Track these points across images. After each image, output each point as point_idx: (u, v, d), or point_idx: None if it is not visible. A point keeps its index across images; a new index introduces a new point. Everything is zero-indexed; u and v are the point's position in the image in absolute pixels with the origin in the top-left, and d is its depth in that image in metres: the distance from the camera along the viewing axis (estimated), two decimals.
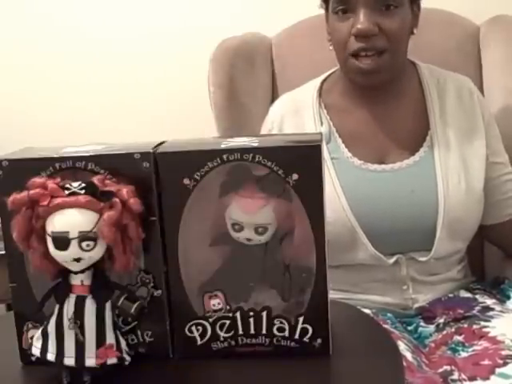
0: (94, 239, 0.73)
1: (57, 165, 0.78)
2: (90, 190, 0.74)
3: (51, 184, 0.74)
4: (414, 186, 1.23)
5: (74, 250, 0.72)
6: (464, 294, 1.29)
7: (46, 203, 0.73)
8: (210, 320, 0.82)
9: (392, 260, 1.23)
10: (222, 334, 0.83)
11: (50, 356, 0.77)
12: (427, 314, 1.25)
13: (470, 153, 1.26)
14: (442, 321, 1.22)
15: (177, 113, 1.82)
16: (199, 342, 0.83)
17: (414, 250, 1.24)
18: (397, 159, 1.26)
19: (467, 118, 1.28)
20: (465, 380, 1.03)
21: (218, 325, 0.82)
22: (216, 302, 0.82)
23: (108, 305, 0.77)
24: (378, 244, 1.22)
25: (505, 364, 1.03)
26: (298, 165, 0.77)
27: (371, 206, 1.22)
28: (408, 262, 1.25)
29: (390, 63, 1.21)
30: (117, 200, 0.73)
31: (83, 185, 0.74)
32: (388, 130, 1.28)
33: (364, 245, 1.22)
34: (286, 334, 0.82)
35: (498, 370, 1.02)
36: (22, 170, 0.77)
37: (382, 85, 1.25)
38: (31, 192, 0.73)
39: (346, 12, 1.19)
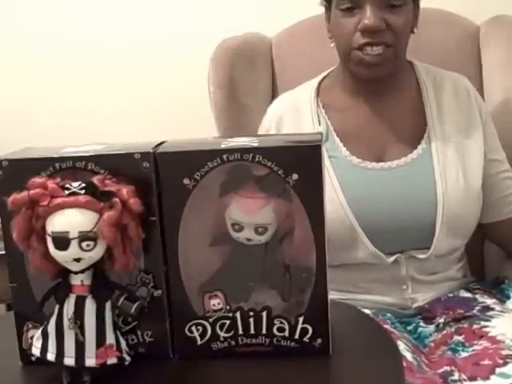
0: (94, 239, 0.73)
1: (57, 165, 0.78)
2: (90, 189, 0.74)
3: (51, 184, 0.74)
4: (412, 184, 1.24)
5: (73, 250, 0.72)
6: (464, 293, 1.29)
7: (45, 203, 0.73)
8: (210, 320, 0.82)
9: (391, 259, 1.24)
10: (222, 334, 0.83)
11: (50, 356, 0.77)
12: (427, 314, 1.25)
13: (467, 149, 1.27)
14: (441, 321, 1.22)
15: (177, 113, 1.82)
16: (199, 342, 0.83)
17: (414, 248, 1.25)
18: (395, 157, 1.26)
19: (464, 116, 1.29)
20: (465, 380, 1.03)
21: (218, 325, 0.82)
22: (216, 302, 0.82)
23: (108, 305, 0.77)
24: (378, 242, 1.22)
25: (505, 364, 1.03)
26: (297, 165, 0.77)
27: (370, 204, 1.23)
28: (407, 261, 1.25)
29: (393, 57, 1.21)
30: (117, 200, 0.73)
31: (83, 185, 0.74)
32: (386, 129, 1.28)
33: (363, 243, 1.22)
34: (286, 334, 0.82)
35: (498, 370, 1.02)
36: (22, 169, 0.77)
37: (382, 80, 1.26)
38: (31, 192, 0.73)
39: (352, 9, 1.19)
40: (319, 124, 1.29)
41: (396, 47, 1.21)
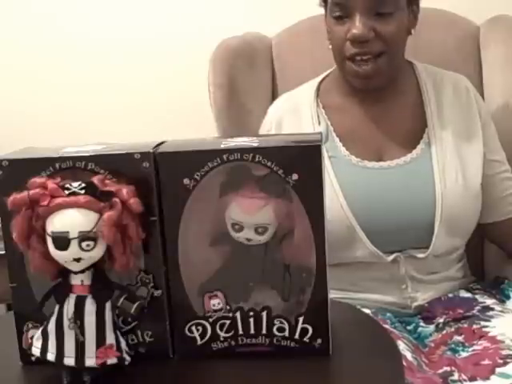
0: (94, 239, 0.73)
1: (57, 165, 0.78)
2: (90, 190, 0.74)
3: (51, 184, 0.74)
4: (411, 183, 1.24)
5: (73, 249, 0.72)
6: (464, 293, 1.29)
7: (46, 203, 0.73)
8: (210, 320, 0.82)
9: (390, 258, 1.24)
10: (222, 334, 0.83)
11: (50, 356, 0.77)
12: (427, 313, 1.25)
13: (467, 149, 1.27)
14: (441, 321, 1.22)
15: (177, 113, 1.82)
16: (199, 342, 0.83)
17: (413, 247, 1.25)
18: (394, 157, 1.26)
19: (464, 116, 1.29)
20: (465, 380, 1.03)
21: (218, 325, 0.82)
22: (216, 302, 0.82)
23: (108, 305, 0.77)
24: (377, 241, 1.22)
25: (505, 364, 1.03)
26: (297, 165, 0.77)
27: (369, 204, 1.23)
28: (406, 260, 1.25)
29: (387, 66, 1.22)
30: (117, 200, 0.73)
31: (83, 185, 0.74)
32: (385, 128, 1.29)
33: (362, 242, 1.22)
34: (286, 333, 0.82)
35: (498, 370, 1.02)
36: (22, 169, 0.77)
37: (380, 87, 1.26)
38: (31, 192, 0.73)
39: (343, 17, 1.20)
40: (319, 124, 1.30)
41: (388, 55, 1.21)
